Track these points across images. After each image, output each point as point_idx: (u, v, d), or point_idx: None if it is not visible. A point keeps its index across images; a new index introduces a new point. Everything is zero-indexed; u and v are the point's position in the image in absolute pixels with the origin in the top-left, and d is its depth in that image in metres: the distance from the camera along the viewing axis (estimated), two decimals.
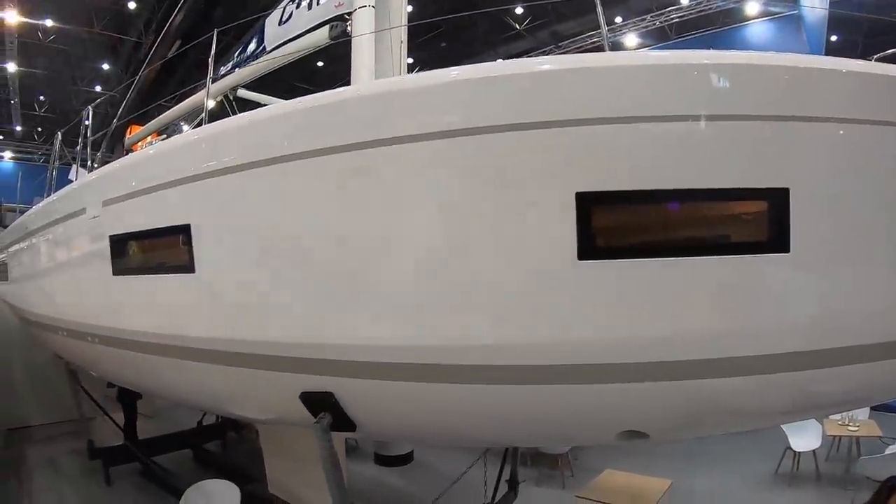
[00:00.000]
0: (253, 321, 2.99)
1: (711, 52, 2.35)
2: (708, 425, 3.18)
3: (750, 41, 15.15)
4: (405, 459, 5.37)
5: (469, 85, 2.46)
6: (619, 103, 2.24)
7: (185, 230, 3.08)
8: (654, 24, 15.78)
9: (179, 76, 21.42)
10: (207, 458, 7.97)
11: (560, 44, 17.78)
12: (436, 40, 16.34)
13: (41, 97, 27.57)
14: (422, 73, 2.59)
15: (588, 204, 2.24)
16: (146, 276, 3.54)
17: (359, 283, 2.69)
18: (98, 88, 25.90)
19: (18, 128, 29.87)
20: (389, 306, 2.66)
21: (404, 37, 5.51)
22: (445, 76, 2.51)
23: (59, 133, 7.03)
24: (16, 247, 6.55)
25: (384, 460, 5.24)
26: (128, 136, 11.85)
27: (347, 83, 4.37)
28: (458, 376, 2.61)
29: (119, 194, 3.70)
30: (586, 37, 16.98)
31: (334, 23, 4.98)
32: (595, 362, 2.42)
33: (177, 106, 6.89)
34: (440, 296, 2.59)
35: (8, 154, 32.16)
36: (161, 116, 6.38)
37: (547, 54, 18.34)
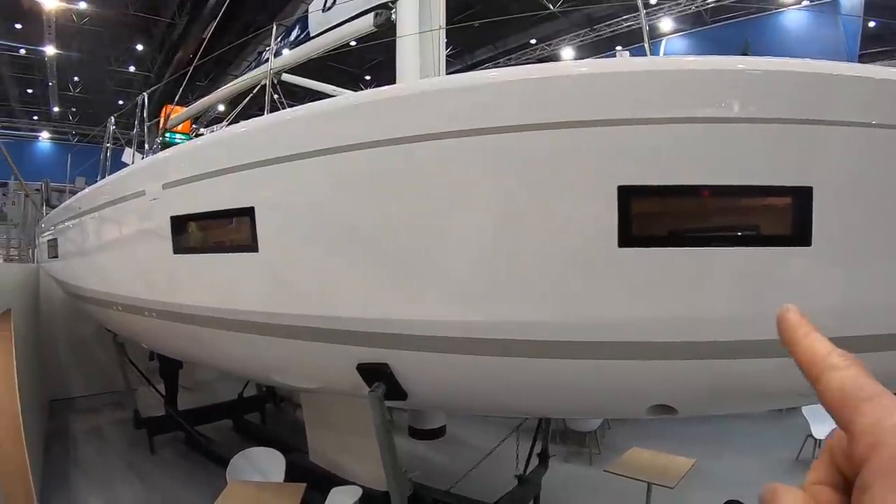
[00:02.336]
0: (314, 297, 3.19)
1: (745, 58, 2.52)
2: (732, 403, 3.39)
3: (786, 28, 14.91)
4: (438, 433, 5.56)
5: (527, 84, 2.63)
6: (659, 105, 2.40)
7: (249, 212, 3.27)
8: (690, 9, 15.58)
9: (214, 57, 21.67)
10: (247, 428, 8.29)
11: (595, 27, 17.65)
12: (468, 20, 16.31)
13: (76, 78, 28.01)
14: (483, 72, 2.77)
15: (629, 196, 2.42)
16: (208, 254, 3.75)
17: (417, 264, 2.89)
18: (132, 69, 26.27)
19: (56, 108, 30.44)
20: (445, 285, 2.87)
21: (443, 21, 5.63)
22: (504, 75, 2.71)
23: (111, 118, 7.26)
24: (67, 226, 6.83)
25: (418, 433, 5.43)
26: (163, 116, 12.09)
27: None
28: (504, 350, 2.80)
29: (180, 177, 3.90)
30: (621, 20, 16.82)
31: (379, 10, 5.11)
32: (630, 340, 2.61)
33: (224, 87, 7.04)
34: (491, 276, 2.79)
35: (44, 134, 32.77)
36: (212, 95, 6.51)
37: (581, 38, 18.25)
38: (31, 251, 10.99)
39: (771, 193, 2.41)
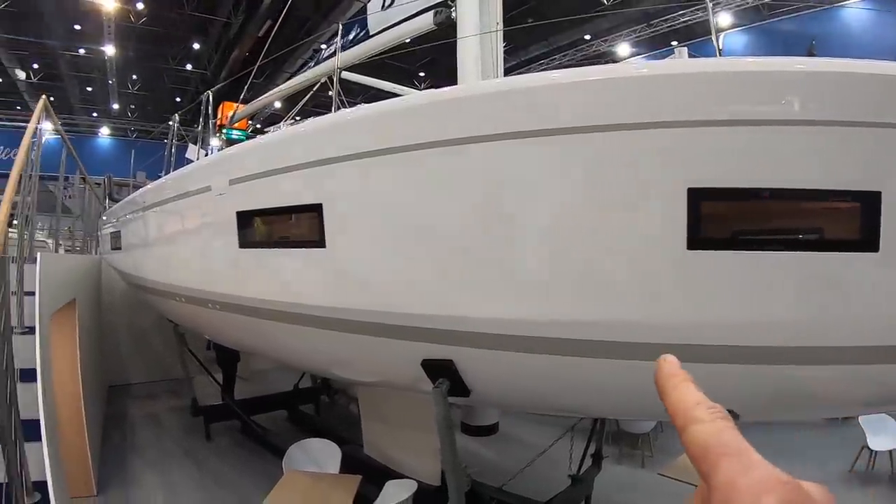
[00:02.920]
0: (381, 294, 3.23)
1: (814, 59, 2.46)
2: (794, 409, 3.34)
3: (845, 23, 14.35)
4: (491, 430, 5.59)
5: (597, 85, 2.62)
6: (729, 107, 2.37)
7: (317, 209, 3.33)
8: (748, 3, 15.17)
9: (269, 54, 22.05)
10: (302, 419, 8.45)
11: (652, 22, 17.36)
12: (522, 17, 16.25)
13: (134, 76, 28.94)
14: (552, 72, 2.76)
15: (698, 199, 2.40)
16: (274, 249, 3.83)
17: (484, 262, 2.90)
18: (189, 67, 27.02)
19: (115, 105, 31.53)
20: (512, 283, 2.87)
21: (500, 17, 5.62)
22: (574, 76, 2.68)
23: (176, 115, 7.47)
24: (131, 219, 7.06)
25: (470, 430, 5.47)
26: (220, 113, 12.38)
27: None
28: (569, 349, 2.80)
29: (247, 174, 3.99)
30: (678, 15, 16.49)
31: (438, 8, 5.13)
32: (695, 343, 2.57)
33: (286, 84, 7.15)
34: (558, 276, 2.79)
35: (104, 130, 33.95)
36: (273, 92, 6.63)
37: (637, 33, 17.97)
38: (91, 242, 11.38)
39: (839, 198, 2.36)
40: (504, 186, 2.80)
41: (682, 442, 0.42)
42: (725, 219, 2.54)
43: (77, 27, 23.90)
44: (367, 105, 3.33)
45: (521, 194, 2.77)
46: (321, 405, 8.94)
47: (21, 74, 28.13)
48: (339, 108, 3.72)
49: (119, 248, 7.99)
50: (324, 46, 19.99)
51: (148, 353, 11.23)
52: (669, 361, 0.49)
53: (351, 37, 6.85)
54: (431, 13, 5.23)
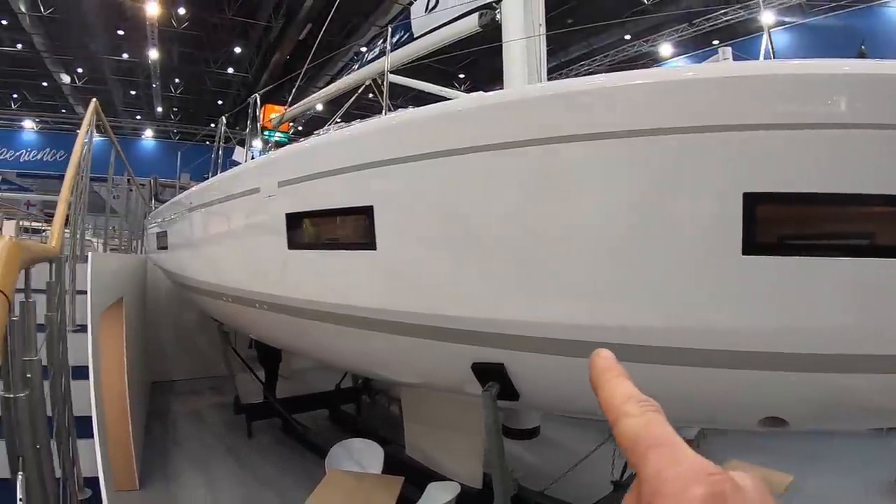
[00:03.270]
0: (432, 296, 3.24)
1: (875, 61, 2.38)
2: (843, 418, 3.26)
3: (891, 20, 13.90)
4: (533, 433, 5.57)
5: (652, 88, 2.59)
6: (785, 110, 2.33)
7: (367, 211, 3.35)
8: (791, 1, 14.84)
9: (311, 58, 22.30)
10: (343, 418, 8.52)
11: (694, 21, 17.12)
12: (561, 18, 16.18)
13: (176, 80, 29.66)
14: (608, 75, 2.73)
15: (754, 203, 2.37)
16: (324, 251, 3.87)
17: (537, 266, 2.89)
18: (230, 70, 27.61)
19: (159, 109, 32.33)
20: (565, 288, 2.86)
21: (542, 18, 5.59)
22: (627, 79, 2.65)
23: (223, 118, 7.61)
24: (178, 220, 7.21)
25: (511, 433, 5.44)
26: (261, 115, 12.56)
27: None
28: (620, 354, 2.74)
29: (296, 176, 4.04)
30: (720, 14, 16.22)
31: (483, 10, 5.13)
32: (750, 350, 2.53)
33: (331, 86, 7.21)
34: (611, 280, 2.77)
35: (148, 132, 34.80)
36: (318, 94, 6.70)
37: (679, 32, 17.73)
38: (136, 242, 11.66)
39: (893, 203, 2.30)
40: (556, 189, 2.78)
41: (614, 435, 0.43)
42: (781, 224, 2.50)
43: (120, 32, 24.60)
44: (418, 108, 3.33)
45: (574, 198, 2.76)
46: (362, 405, 8.97)
47: (66, 78, 29.05)
48: (388, 111, 3.73)
49: (165, 248, 8.16)
50: (364, 49, 20.24)
51: (190, 350, 11.44)
52: (603, 356, 0.50)
53: (394, 40, 6.89)
54: (476, 15, 5.23)
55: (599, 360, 0.50)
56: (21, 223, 20.78)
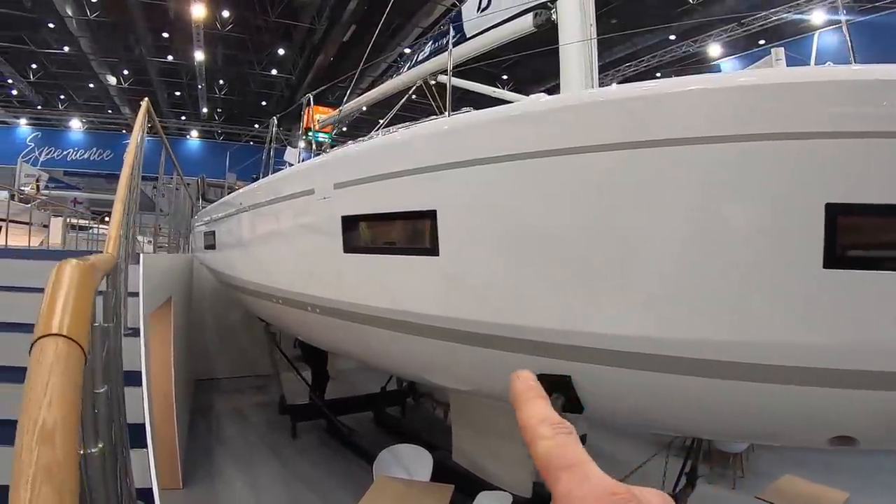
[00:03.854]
0: (497, 305, 3.13)
1: None
2: None
3: None
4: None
5: (731, 93, 2.47)
6: (867, 118, 2.22)
7: (431, 216, 3.26)
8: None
9: (354, 59, 22.54)
10: (387, 421, 8.49)
11: (744, 20, 16.68)
12: (606, 17, 15.93)
13: (220, 81, 30.21)
14: (686, 78, 2.61)
15: (836, 215, 2.26)
16: (382, 255, 3.79)
17: (609, 277, 2.76)
18: (274, 72, 28.01)
19: (204, 109, 32.98)
20: (637, 300, 2.73)
21: (593, 18, 5.45)
22: (708, 83, 2.54)
23: (274, 118, 7.61)
24: (227, 220, 7.24)
25: None
26: (306, 117, 12.59)
27: None
28: (692, 369, 2.65)
29: (353, 178, 3.97)
30: (769, 14, 15.77)
31: (538, 10, 5.01)
32: (826, 366, 2.42)
33: (380, 87, 7.16)
34: (685, 293, 2.63)
35: (194, 133, 35.50)
36: (368, 95, 6.65)
37: (727, 32, 17.33)
38: (181, 241, 11.82)
39: None
40: (629, 197, 2.66)
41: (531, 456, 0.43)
42: (865, 236, 2.38)
43: (165, 35, 25.16)
44: (485, 109, 3.24)
45: (648, 206, 2.64)
46: (407, 408, 8.93)
47: (112, 80, 29.77)
48: (447, 112, 3.63)
49: (213, 248, 8.22)
50: (407, 50, 20.23)
51: (234, 348, 11.57)
52: (523, 377, 0.52)
53: (445, 41, 6.81)
54: (531, 15, 5.10)
55: (519, 382, 0.51)
56: (68, 220, 21.30)
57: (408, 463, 5.48)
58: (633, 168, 2.61)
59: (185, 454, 6.68)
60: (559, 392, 3.10)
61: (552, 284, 2.93)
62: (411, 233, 3.55)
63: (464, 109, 3.91)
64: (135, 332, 4.32)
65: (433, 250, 3.29)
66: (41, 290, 1.39)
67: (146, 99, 5.39)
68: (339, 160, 4.33)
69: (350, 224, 4.00)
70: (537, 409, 0.48)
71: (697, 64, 18.70)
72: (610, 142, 2.64)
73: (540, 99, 3.16)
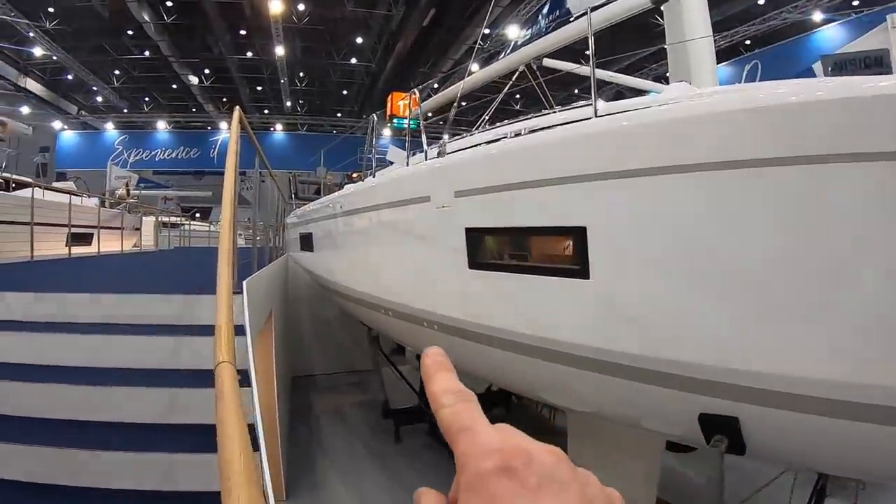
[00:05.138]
0: (658, 338, 2.70)
1: None
2: None
3: None
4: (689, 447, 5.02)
5: None
6: None
7: (578, 233, 2.87)
8: None
9: (434, 43, 22.37)
10: (492, 422, 8.20)
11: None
12: None
13: (301, 73, 30.75)
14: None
15: None
16: (516, 274, 3.41)
17: (794, 310, 2.31)
18: (353, 61, 28.24)
19: (288, 103, 33.70)
20: (827, 337, 2.28)
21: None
22: None
23: (374, 115, 7.35)
24: (327, 222, 7.06)
25: (672, 445, 4.90)
26: (389, 104, 12.42)
27: None
28: (883, 417, 2.20)
29: (479, 186, 3.60)
30: None
31: None
32: None
33: (481, 72, 6.75)
34: (882, 334, 2.18)
35: (278, 126, 36.36)
36: (467, 80, 6.26)
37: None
38: (272, 234, 11.94)
39: None
40: (820, 218, 2.20)
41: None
42: None
43: (242, 32, 25.77)
44: (648, 110, 2.79)
45: (844, 229, 2.17)
46: (511, 407, 8.62)
47: (194, 79, 30.82)
48: (594, 113, 3.17)
49: (310, 250, 8.11)
50: (487, 31, 19.74)
51: (330, 345, 11.59)
52: (432, 353, 0.50)
53: (544, 23, 6.35)
54: None
55: (428, 358, 0.50)
56: (160, 218, 22.14)
57: None
58: (845, 185, 2.13)
59: (287, 460, 6.58)
60: (722, 433, 2.68)
61: (727, 317, 2.49)
62: (554, 252, 3.15)
63: (601, 104, 3.47)
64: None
65: (582, 273, 2.89)
66: None
67: (237, 108, 5.18)
68: (461, 166, 3.95)
69: (476, 238, 3.64)
70: (443, 381, 0.47)
71: (795, 32, 17.27)
72: (803, 154, 2.17)
73: (709, 93, 2.69)
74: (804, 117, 2.18)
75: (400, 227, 4.74)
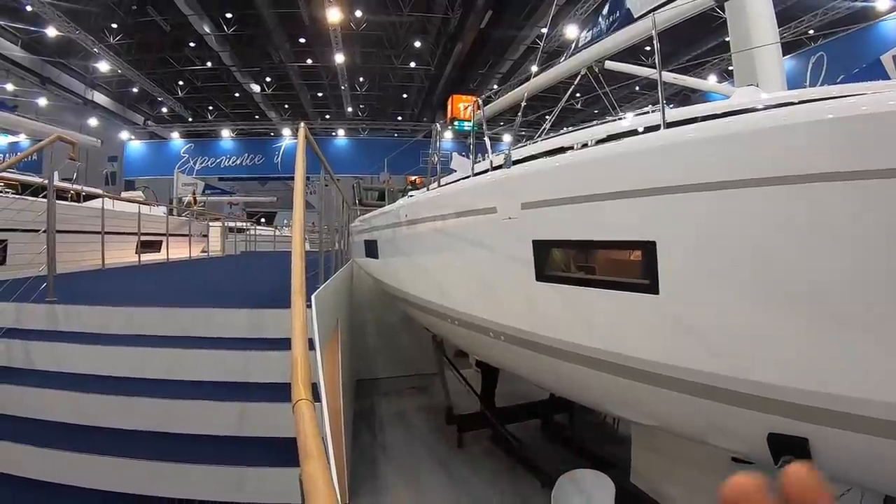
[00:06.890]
0: (730, 355, 2.64)
1: None
2: None
3: None
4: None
5: None
6: None
7: (648, 247, 2.85)
8: None
9: (492, 45, 22.42)
10: (555, 430, 8.17)
11: None
12: None
13: (360, 78, 31.30)
14: None
15: None
16: (585, 287, 3.40)
17: (872, 331, 2.21)
18: (412, 65, 28.60)
19: (349, 109, 34.36)
20: None
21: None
22: None
23: (437, 124, 7.41)
24: (392, 230, 7.18)
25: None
26: (450, 106, 12.52)
27: None
28: None
29: (547, 198, 3.59)
30: None
31: None
32: None
33: (543, 74, 6.73)
34: None
35: (340, 131, 37.10)
36: (530, 82, 6.26)
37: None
38: (336, 237, 12.19)
39: None
40: None
41: None
42: None
43: (302, 40, 26.44)
44: (722, 121, 2.70)
45: None
46: (574, 415, 8.55)
47: (256, 88, 31.76)
48: (661, 123, 3.13)
49: (375, 257, 8.25)
50: (544, 30, 19.58)
51: (394, 348, 11.69)
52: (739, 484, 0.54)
53: (604, 24, 6.26)
54: None
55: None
56: (226, 224, 22.88)
57: (590, 490, 5.10)
58: None
59: (350, 467, 6.68)
60: (791, 454, 2.61)
61: (800, 338, 2.42)
62: (623, 266, 3.13)
63: (671, 106, 3.41)
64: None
65: (651, 288, 2.87)
66: None
67: (303, 123, 5.33)
68: (527, 178, 3.96)
69: (544, 250, 3.65)
70: None
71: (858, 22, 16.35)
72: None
73: (780, 98, 2.59)
74: (888, 128, 2.10)
75: (466, 237, 4.78)
